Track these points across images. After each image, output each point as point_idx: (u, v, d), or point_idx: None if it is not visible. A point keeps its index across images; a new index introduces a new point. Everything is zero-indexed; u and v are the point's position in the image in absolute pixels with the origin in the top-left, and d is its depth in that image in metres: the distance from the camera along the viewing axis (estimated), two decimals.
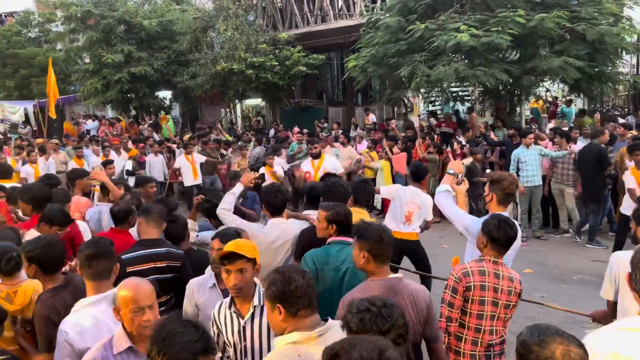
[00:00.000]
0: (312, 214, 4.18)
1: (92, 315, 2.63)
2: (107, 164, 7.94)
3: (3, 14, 28.93)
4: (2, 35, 24.17)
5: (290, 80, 17.39)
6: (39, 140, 12.81)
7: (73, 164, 10.25)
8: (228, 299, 2.75)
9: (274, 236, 3.95)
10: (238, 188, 4.37)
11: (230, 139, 13.33)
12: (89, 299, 2.70)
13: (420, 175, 6.24)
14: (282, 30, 18.18)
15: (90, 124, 19.56)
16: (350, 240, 3.30)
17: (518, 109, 13.19)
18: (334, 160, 8.35)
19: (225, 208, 4.14)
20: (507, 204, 3.75)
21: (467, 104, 15.38)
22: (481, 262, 3.14)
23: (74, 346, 2.53)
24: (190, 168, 10.79)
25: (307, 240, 3.80)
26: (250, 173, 4.60)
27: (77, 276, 3.03)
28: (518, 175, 8.51)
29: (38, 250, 2.93)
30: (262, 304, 2.61)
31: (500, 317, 3.11)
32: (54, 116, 12.51)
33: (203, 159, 11.01)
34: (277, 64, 16.64)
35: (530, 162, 8.64)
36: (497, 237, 3.08)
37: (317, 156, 8.11)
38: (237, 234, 3.14)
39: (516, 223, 3.31)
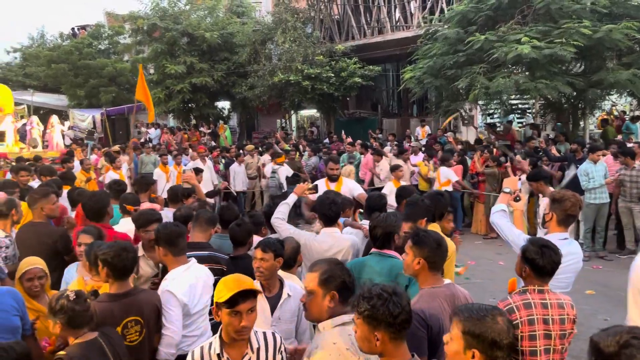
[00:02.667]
0: (366, 224, 4.22)
1: (189, 279, 3.26)
2: (198, 171, 8.18)
3: (76, 27, 30.68)
4: (75, 47, 25.65)
5: (345, 91, 17.50)
6: (115, 147, 13.44)
7: (159, 171, 10.64)
8: (216, 342, 2.41)
9: (327, 245, 3.99)
10: (292, 198, 4.43)
11: (290, 148, 13.51)
12: (181, 268, 3.29)
13: (402, 196, 5.01)
14: (338, 42, 18.35)
15: (153, 132, 20.37)
16: (391, 253, 3.40)
17: (582, 122, 12.71)
18: (353, 187, 6.57)
19: (279, 217, 4.20)
20: (567, 225, 3.51)
21: (528, 117, 14.95)
22: (525, 294, 2.81)
23: (181, 300, 3.14)
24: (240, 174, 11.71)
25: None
26: (304, 184, 4.64)
27: (143, 294, 3.17)
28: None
29: (112, 253, 3.00)
30: (259, 347, 2.43)
31: (557, 349, 2.79)
32: (151, 120, 13.91)
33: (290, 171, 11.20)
34: (332, 75, 16.79)
35: (598, 178, 8.29)
36: (542, 265, 2.78)
37: (334, 179, 6.59)
38: (279, 242, 3.35)
39: (562, 246, 3.05)
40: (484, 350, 2.07)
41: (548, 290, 2.83)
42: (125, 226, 4.58)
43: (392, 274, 3.27)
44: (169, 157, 11.53)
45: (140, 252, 3.92)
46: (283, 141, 15.18)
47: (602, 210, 8.47)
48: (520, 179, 9.46)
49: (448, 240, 3.48)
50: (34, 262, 3.48)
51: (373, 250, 3.47)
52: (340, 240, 4.04)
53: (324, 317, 2.44)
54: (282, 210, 4.26)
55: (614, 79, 9.88)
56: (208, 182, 11.19)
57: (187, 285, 3.22)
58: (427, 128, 16.13)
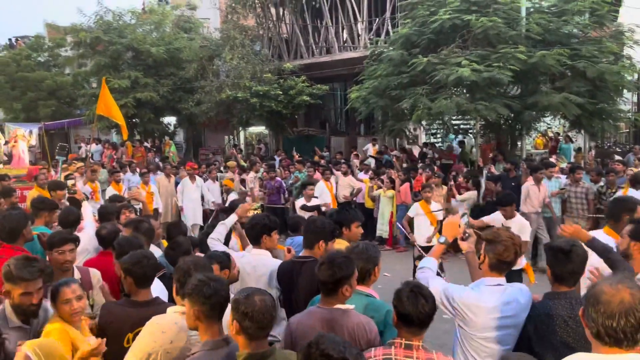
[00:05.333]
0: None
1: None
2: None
3: (14, 38, 29.44)
4: (12, 59, 24.56)
5: (293, 109, 17.57)
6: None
7: (111, 189, 9.81)
8: None
9: (251, 266, 3.82)
10: (231, 219, 4.32)
11: (246, 164, 13.35)
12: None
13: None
14: (287, 61, 18.46)
15: (94, 148, 19.67)
16: (367, 290, 3.01)
17: (519, 143, 13.27)
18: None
19: (214, 238, 4.12)
20: (501, 271, 2.90)
21: (470, 137, 15.47)
22: (389, 348, 2.41)
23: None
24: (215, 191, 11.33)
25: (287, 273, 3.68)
26: (247, 204, 4.56)
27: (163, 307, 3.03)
28: None
29: (131, 262, 3.02)
30: None
31: None
32: (125, 137, 13.14)
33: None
34: (281, 93, 16.83)
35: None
36: (406, 313, 2.39)
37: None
38: (225, 254, 3.37)
39: (492, 294, 2.80)
40: None
41: (419, 346, 2.40)
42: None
43: (367, 315, 2.85)
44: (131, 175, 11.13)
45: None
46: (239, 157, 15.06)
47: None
48: (457, 200, 9.78)
49: (461, 245, 3.22)
50: None
51: None
52: (266, 263, 3.85)
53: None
54: (220, 231, 4.20)
55: (547, 102, 10.39)
56: (197, 202, 10.75)
57: None
58: (377, 146, 16.39)
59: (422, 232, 7.76)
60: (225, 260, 3.37)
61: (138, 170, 11.74)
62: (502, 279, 2.90)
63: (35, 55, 25.69)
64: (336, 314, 2.69)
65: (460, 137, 16.31)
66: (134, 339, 2.80)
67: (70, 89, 23.70)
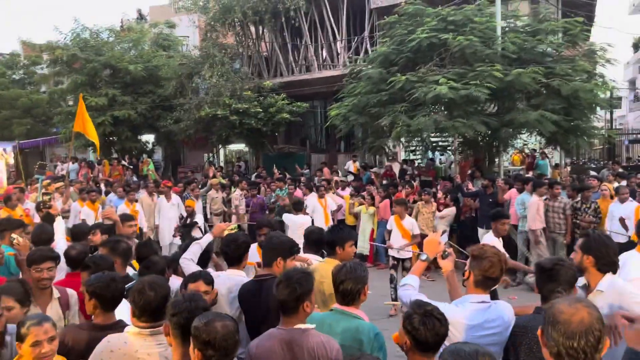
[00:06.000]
0: (312, 257, 4.18)
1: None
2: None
3: None
4: None
5: (273, 126, 17.56)
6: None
7: (87, 209, 9.57)
8: None
9: (225, 288, 3.70)
10: (206, 239, 4.23)
11: (225, 181, 13.22)
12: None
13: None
14: (267, 79, 18.50)
15: (71, 167, 19.33)
16: (356, 312, 2.93)
17: (497, 159, 13.44)
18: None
19: (187, 257, 4.02)
20: (486, 288, 2.88)
21: (448, 154, 15.62)
22: None
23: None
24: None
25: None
26: (223, 224, 4.47)
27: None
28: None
29: (99, 285, 2.93)
30: None
31: None
32: (98, 155, 12.34)
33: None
34: (261, 110, 16.83)
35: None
36: (424, 339, 2.33)
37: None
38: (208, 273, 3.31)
39: (477, 312, 2.75)
40: None
41: None
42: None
43: (356, 338, 2.81)
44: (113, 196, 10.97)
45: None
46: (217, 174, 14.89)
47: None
48: (441, 216, 9.84)
49: (442, 264, 3.18)
50: None
51: (335, 306, 2.97)
52: (238, 284, 3.71)
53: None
54: (193, 251, 4.09)
55: (524, 119, 10.54)
56: (174, 220, 10.29)
57: None
58: (357, 163, 16.44)
59: (395, 244, 7.86)
60: (210, 277, 3.33)
61: (120, 190, 11.51)
62: (486, 296, 2.87)
63: (10, 72, 25.37)
64: (295, 334, 2.64)
65: (435, 154, 16.48)
66: None
67: (46, 107, 23.40)
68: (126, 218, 5.29)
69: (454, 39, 10.88)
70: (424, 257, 3.23)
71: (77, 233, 5.09)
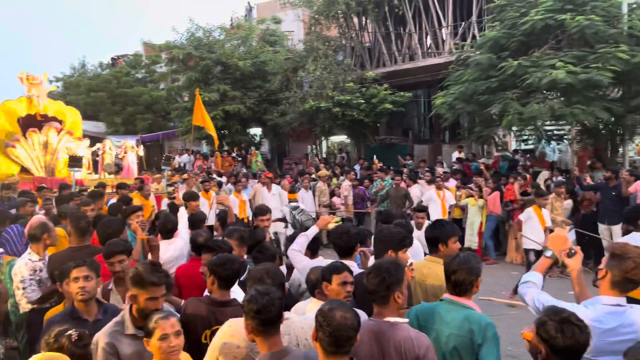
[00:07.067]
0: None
1: None
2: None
3: (115, 57, 31.81)
4: (113, 76, 26.58)
5: (375, 117, 17.50)
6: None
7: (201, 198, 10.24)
8: None
9: None
10: (313, 230, 4.28)
11: (329, 174, 13.42)
12: None
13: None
14: (369, 69, 18.44)
15: (185, 158, 20.73)
16: (466, 302, 2.84)
17: (621, 149, 12.32)
18: None
19: (295, 249, 4.09)
20: (624, 290, 2.65)
21: (565, 142, 14.59)
22: None
23: None
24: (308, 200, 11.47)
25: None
26: (328, 216, 4.46)
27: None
28: None
29: (218, 263, 3.16)
30: None
31: None
32: (217, 146, 13.77)
33: None
34: (363, 101, 16.83)
35: None
36: (562, 347, 2.13)
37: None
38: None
39: (609, 314, 2.53)
40: None
41: None
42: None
43: (464, 327, 2.73)
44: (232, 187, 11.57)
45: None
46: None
47: None
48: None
49: (568, 262, 2.95)
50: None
51: (445, 296, 2.92)
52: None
53: None
54: (300, 242, 4.14)
55: None
56: (275, 210, 10.64)
57: None
58: (463, 154, 15.89)
59: (535, 236, 7.47)
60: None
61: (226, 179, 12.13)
62: (622, 299, 2.64)
63: (133, 72, 27.66)
64: (384, 326, 2.60)
65: (549, 144, 15.42)
66: (211, 337, 2.89)
67: (164, 103, 25.25)
68: (261, 212, 5.47)
69: (572, 20, 10.11)
70: (549, 253, 3.04)
71: (195, 221, 5.45)
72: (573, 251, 2.95)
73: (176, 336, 2.64)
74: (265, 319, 2.39)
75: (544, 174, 11.74)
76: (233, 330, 2.75)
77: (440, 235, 3.75)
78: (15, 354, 2.46)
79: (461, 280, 2.80)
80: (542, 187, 9.70)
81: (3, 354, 2.31)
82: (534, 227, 7.62)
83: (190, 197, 6.91)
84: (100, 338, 2.82)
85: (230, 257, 3.26)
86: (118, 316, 2.98)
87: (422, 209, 6.24)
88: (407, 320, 2.68)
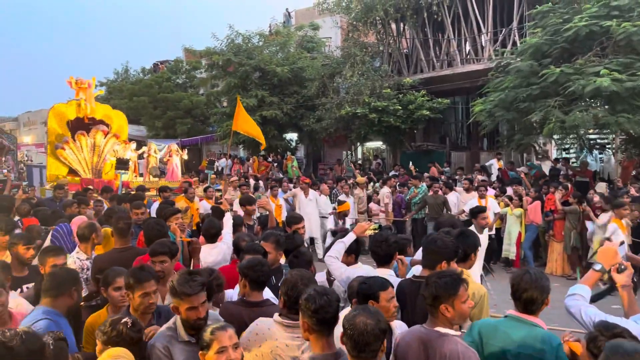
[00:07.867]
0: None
1: None
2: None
3: (157, 62, 32.65)
4: (155, 81, 27.32)
5: (412, 123, 17.41)
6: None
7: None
8: None
9: None
10: (350, 237, 4.26)
11: (365, 181, 13.43)
12: None
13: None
14: (407, 75, 18.38)
15: (223, 162, 21.10)
16: (533, 320, 2.79)
17: None
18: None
19: (332, 256, 4.10)
20: None
21: (608, 152, 14.20)
22: None
23: None
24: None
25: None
26: (365, 223, 4.44)
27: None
28: None
29: (249, 266, 3.30)
30: None
31: None
32: (263, 147, 14.30)
33: None
34: (400, 108, 16.78)
35: None
36: None
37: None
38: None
39: None
40: None
41: None
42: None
43: (535, 347, 2.68)
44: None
45: None
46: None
47: None
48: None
49: (616, 278, 2.92)
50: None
51: (510, 313, 2.88)
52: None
53: None
54: (337, 249, 4.15)
55: None
56: (313, 215, 10.82)
57: None
58: (502, 162, 15.62)
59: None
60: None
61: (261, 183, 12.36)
62: None
63: (174, 77, 28.36)
64: (433, 335, 2.62)
65: (592, 153, 15.00)
66: None
67: (203, 107, 25.79)
68: (295, 221, 5.49)
69: (619, 26, 9.87)
70: (598, 267, 3.01)
71: (233, 225, 5.64)
72: (623, 266, 2.91)
73: (234, 349, 2.50)
74: (322, 319, 2.46)
75: (601, 185, 11.41)
76: (258, 329, 2.89)
77: (469, 245, 3.86)
78: (64, 345, 2.57)
79: (534, 299, 2.78)
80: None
81: (52, 344, 2.43)
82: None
83: (247, 201, 7.07)
84: (157, 340, 2.88)
85: (261, 260, 3.40)
86: (170, 322, 3.01)
87: (482, 210, 6.00)
88: (458, 333, 2.69)
